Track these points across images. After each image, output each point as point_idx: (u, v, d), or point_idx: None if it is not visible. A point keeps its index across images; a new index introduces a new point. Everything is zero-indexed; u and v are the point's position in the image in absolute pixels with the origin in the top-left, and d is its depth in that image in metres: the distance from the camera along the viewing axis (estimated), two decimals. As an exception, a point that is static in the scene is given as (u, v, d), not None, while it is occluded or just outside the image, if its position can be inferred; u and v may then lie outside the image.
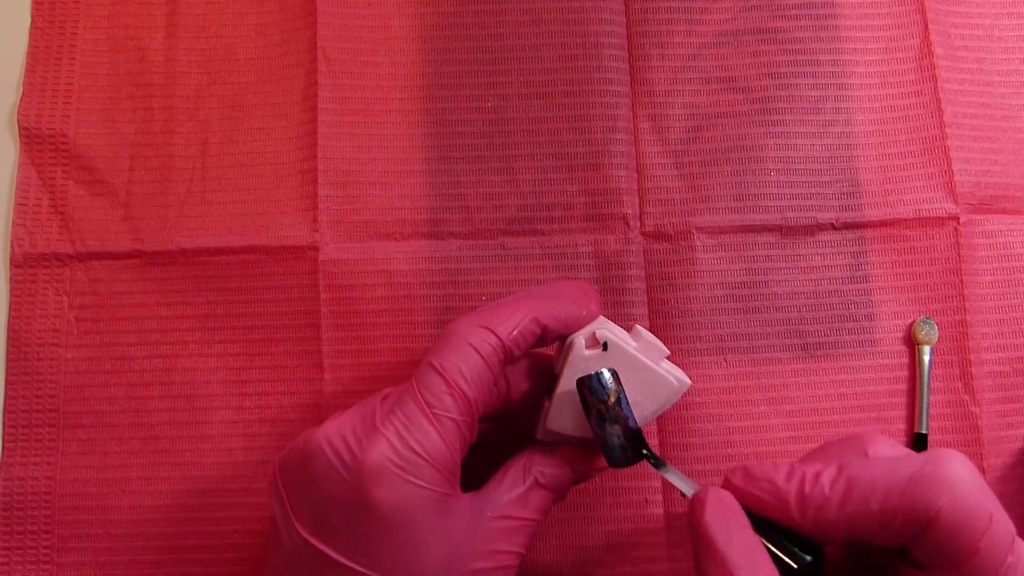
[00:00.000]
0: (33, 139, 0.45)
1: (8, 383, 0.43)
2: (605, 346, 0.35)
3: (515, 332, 0.33)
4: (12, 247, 0.44)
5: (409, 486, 0.31)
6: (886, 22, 0.46)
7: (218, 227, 0.44)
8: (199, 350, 0.43)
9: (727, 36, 0.46)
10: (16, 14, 0.46)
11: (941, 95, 0.45)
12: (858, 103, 0.46)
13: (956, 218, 0.44)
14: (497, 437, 0.38)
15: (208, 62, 0.46)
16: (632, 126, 0.45)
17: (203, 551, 0.42)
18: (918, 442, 0.42)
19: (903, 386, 0.43)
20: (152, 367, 0.43)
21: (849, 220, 0.44)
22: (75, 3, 0.46)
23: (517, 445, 0.36)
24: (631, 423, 0.34)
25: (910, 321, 0.44)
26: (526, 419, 0.38)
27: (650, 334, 0.36)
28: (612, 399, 0.33)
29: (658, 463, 0.35)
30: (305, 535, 0.32)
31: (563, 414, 0.35)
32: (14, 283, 0.44)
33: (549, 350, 0.38)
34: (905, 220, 0.44)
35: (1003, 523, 0.30)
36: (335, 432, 0.32)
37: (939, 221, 0.44)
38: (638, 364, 0.35)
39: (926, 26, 0.46)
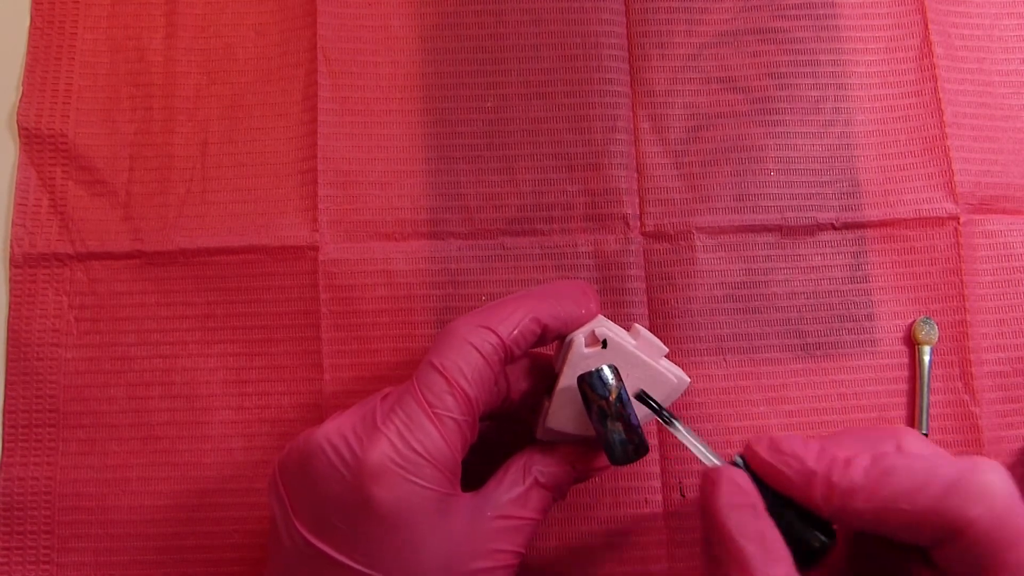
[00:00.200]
0: (33, 139, 0.45)
1: (8, 383, 0.43)
2: (604, 344, 0.35)
3: (515, 331, 0.33)
4: (12, 247, 0.44)
5: (410, 485, 0.31)
6: (886, 22, 0.46)
7: (218, 227, 0.44)
8: (199, 350, 0.43)
9: (727, 36, 0.46)
10: (16, 14, 0.46)
11: (941, 95, 0.45)
12: (858, 103, 0.46)
13: (956, 218, 0.44)
14: (497, 436, 0.38)
15: (208, 62, 0.46)
16: (632, 126, 0.45)
17: (203, 551, 0.42)
18: (918, 442, 0.42)
19: (903, 386, 0.43)
20: (152, 367, 0.43)
21: (849, 220, 0.44)
22: (74, 3, 0.46)
23: (517, 444, 0.36)
24: (632, 420, 0.34)
25: (910, 321, 0.44)
26: (526, 418, 0.38)
27: (649, 332, 0.36)
28: (613, 395, 0.33)
29: (668, 420, 0.34)
30: (305, 535, 0.31)
31: (563, 413, 0.35)
32: (14, 283, 0.44)
33: (548, 350, 0.38)
34: (905, 220, 0.44)
35: None
36: (335, 431, 0.32)
37: (939, 221, 0.44)
38: (637, 362, 0.35)
39: (926, 26, 0.46)
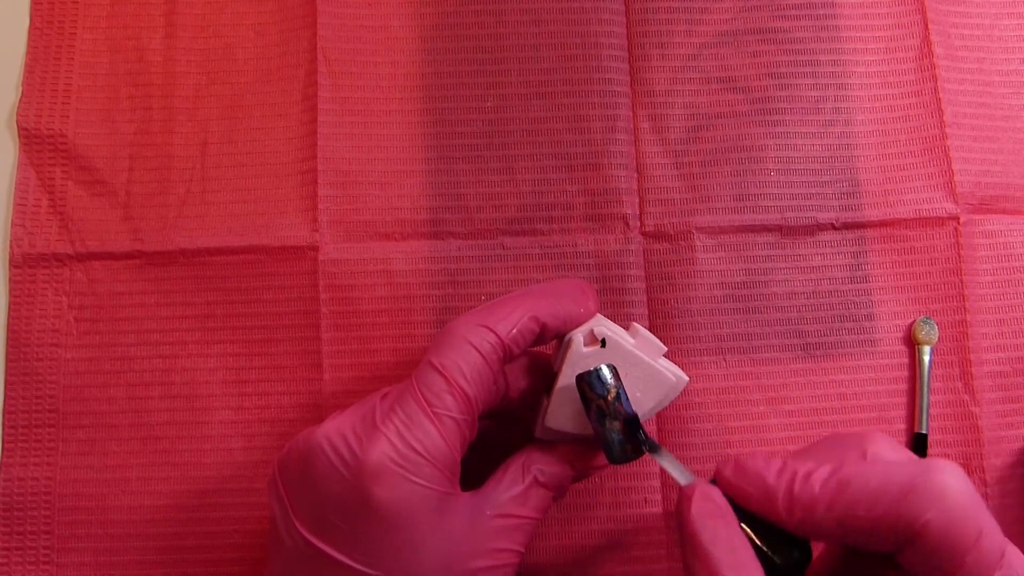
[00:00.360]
0: (32, 139, 0.45)
1: (8, 383, 0.43)
2: (603, 343, 0.35)
3: (514, 330, 0.33)
4: (11, 247, 0.44)
5: (410, 485, 0.31)
6: (886, 22, 0.46)
7: (218, 227, 0.44)
8: (199, 350, 0.43)
9: (727, 36, 0.46)
10: (15, 14, 0.46)
11: (941, 95, 0.45)
12: (858, 103, 0.46)
13: (956, 218, 0.44)
14: (496, 435, 0.38)
15: (207, 62, 0.46)
16: (632, 126, 0.45)
17: (203, 551, 0.42)
18: (918, 442, 0.42)
19: (903, 386, 0.43)
20: (152, 367, 0.43)
21: (849, 220, 0.44)
22: (74, 3, 0.46)
23: (516, 443, 0.36)
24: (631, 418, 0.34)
25: (910, 321, 0.44)
26: (525, 417, 0.38)
27: (647, 332, 0.36)
28: (612, 395, 0.33)
29: (653, 448, 0.34)
30: (305, 534, 0.31)
31: (562, 411, 0.35)
32: (13, 283, 0.44)
33: (547, 349, 0.38)
34: (905, 220, 0.44)
35: (993, 537, 0.29)
36: (335, 431, 0.32)
37: (939, 221, 0.44)
38: (636, 360, 0.35)
39: (926, 26, 0.46)
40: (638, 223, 0.44)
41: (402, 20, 0.46)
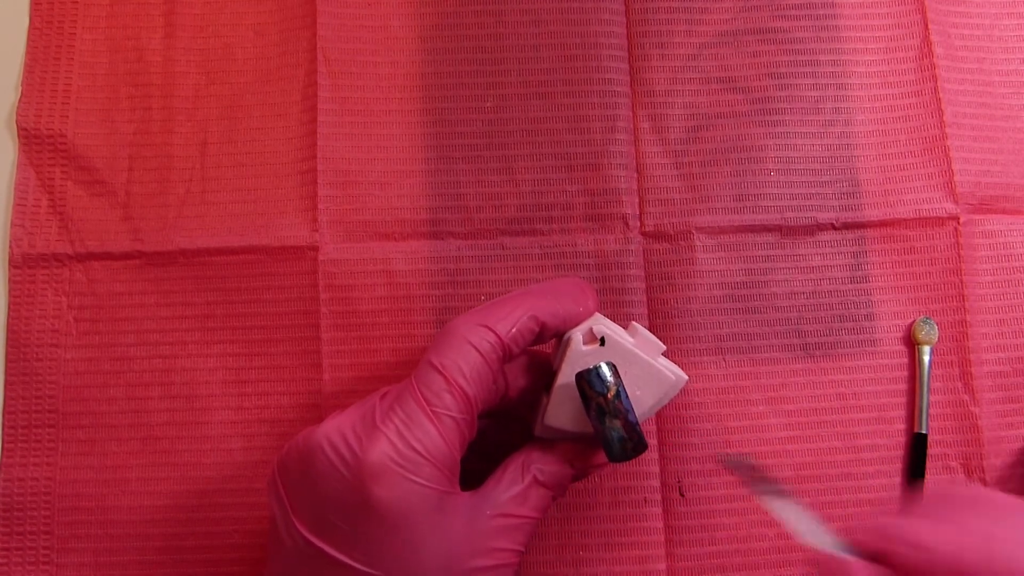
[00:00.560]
0: (32, 139, 0.45)
1: (7, 384, 0.43)
2: (603, 341, 0.35)
3: (514, 330, 0.34)
4: (11, 248, 0.44)
5: (409, 484, 0.31)
6: (886, 22, 0.46)
7: (218, 227, 0.44)
8: (198, 350, 0.43)
9: (727, 36, 0.46)
10: (15, 14, 0.46)
11: (941, 95, 0.45)
12: (858, 103, 0.46)
13: (956, 218, 0.44)
14: (495, 434, 0.38)
15: (207, 62, 0.46)
16: (632, 126, 0.45)
17: (203, 551, 0.42)
18: (918, 442, 0.42)
19: (903, 386, 0.43)
20: (151, 367, 0.43)
21: (849, 220, 0.44)
22: (73, 3, 0.46)
23: (515, 443, 0.36)
24: (631, 417, 0.34)
25: (910, 321, 0.44)
26: (524, 416, 0.38)
27: (646, 331, 0.36)
28: (611, 392, 0.33)
29: (775, 492, 0.33)
30: (305, 534, 0.31)
31: (561, 410, 0.35)
32: (13, 284, 0.44)
33: (546, 347, 0.38)
34: (905, 220, 0.44)
35: None
36: (335, 431, 0.32)
37: (939, 221, 0.44)
38: (635, 359, 0.35)
39: (926, 26, 0.46)
40: (638, 223, 0.44)
41: (402, 20, 0.46)
